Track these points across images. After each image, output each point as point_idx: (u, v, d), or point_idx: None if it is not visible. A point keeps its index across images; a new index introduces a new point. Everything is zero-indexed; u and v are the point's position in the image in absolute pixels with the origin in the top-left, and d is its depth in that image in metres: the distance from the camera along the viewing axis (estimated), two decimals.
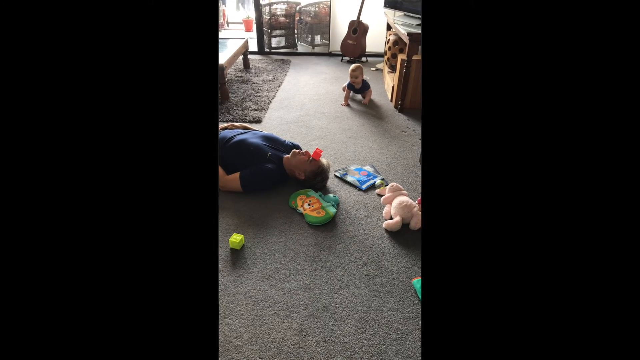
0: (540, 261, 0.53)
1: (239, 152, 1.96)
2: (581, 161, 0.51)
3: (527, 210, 0.54)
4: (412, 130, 2.69)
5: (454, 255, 0.56)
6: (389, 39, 3.46)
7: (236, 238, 1.55)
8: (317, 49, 4.86)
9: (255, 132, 2.12)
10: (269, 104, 3.09)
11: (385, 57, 3.54)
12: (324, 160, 1.98)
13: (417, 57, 2.85)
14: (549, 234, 0.53)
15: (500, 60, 0.54)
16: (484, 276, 0.55)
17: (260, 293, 1.36)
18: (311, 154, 1.94)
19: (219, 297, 1.34)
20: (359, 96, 3.30)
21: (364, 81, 3.14)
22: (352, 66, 3.05)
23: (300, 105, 3.09)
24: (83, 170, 0.54)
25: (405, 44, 3.39)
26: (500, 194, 0.55)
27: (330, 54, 4.65)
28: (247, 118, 2.78)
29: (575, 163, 0.52)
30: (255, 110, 2.93)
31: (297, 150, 1.96)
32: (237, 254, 1.53)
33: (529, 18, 0.53)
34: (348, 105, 3.13)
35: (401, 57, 2.86)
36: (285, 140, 2.16)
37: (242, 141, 2.00)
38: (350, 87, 3.15)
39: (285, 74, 3.85)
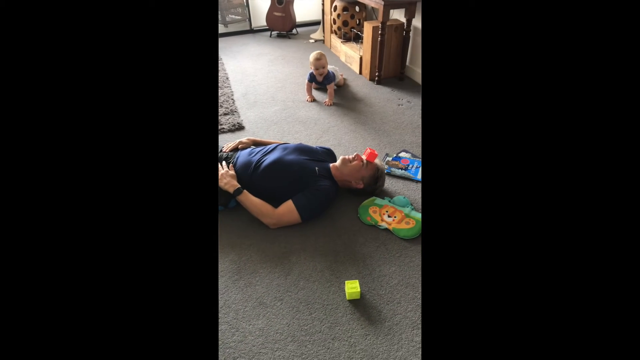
0: (543, 264, 0.52)
1: (280, 176, 1.56)
2: (581, 159, 0.51)
3: (528, 212, 0.52)
4: (407, 102, 2.54)
5: (455, 254, 0.55)
6: (335, 6, 3.15)
7: (354, 287, 1.24)
8: (231, 27, 4.26)
9: (286, 146, 1.70)
10: (233, 103, 2.58)
11: (335, 26, 3.24)
12: (376, 160, 1.70)
13: (392, 22, 2.65)
14: (551, 238, 0.52)
15: (503, 59, 0.53)
16: (485, 277, 0.53)
17: None
18: (364, 157, 1.65)
19: None
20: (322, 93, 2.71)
21: (329, 72, 2.56)
22: (315, 54, 2.46)
23: (271, 97, 2.65)
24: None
25: (364, 9, 3.15)
26: (503, 194, 0.53)
27: (253, 31, 4.11)
28: (224, 127, 2.27)
29: (575, 161, 0.51)
30: (226, 114, 2.42)
31: (346, 157, 1.65)
32: (361, 306, 1.23)
33: (529, 17, 0.52)
34: (314, 99, 2.60)
35: (372, 24, 2.62)
36: (314, 147, 1.80)
37: (278, 162, 1.59)
38: (311, 79, 2.57)
39: (222, 64, 3.27)
